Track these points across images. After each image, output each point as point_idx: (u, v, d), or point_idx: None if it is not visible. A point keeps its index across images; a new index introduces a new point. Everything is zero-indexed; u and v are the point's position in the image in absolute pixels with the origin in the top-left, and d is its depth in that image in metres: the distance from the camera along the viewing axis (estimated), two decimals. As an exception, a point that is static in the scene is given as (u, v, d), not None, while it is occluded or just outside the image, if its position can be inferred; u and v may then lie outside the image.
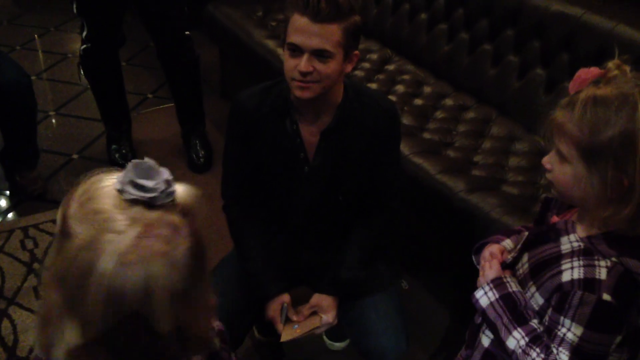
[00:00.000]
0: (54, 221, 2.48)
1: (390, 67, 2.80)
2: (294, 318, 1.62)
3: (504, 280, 1.17)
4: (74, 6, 2.51)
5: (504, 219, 1.82)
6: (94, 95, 2.85)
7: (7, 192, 2.68)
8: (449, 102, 2.54)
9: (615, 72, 1.04)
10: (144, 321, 0.75)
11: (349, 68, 1.51)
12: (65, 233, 0.76)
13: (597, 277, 1.04)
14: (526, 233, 1.25)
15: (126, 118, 2.96)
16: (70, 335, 0.76)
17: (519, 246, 1.22)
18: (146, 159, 0.79)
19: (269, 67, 2.70)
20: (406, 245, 2.34)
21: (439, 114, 2.46)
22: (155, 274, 0.74)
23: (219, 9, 3.21)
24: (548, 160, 1.12)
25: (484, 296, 1.17)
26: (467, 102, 2.52)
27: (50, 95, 3.50)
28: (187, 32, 2.69)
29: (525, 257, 1.19)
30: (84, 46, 2.63)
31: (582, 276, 1.05)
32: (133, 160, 0.78)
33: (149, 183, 0.77)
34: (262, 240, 1.67)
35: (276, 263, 1.66)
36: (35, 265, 2.27)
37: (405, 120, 2.35)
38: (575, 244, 1.10)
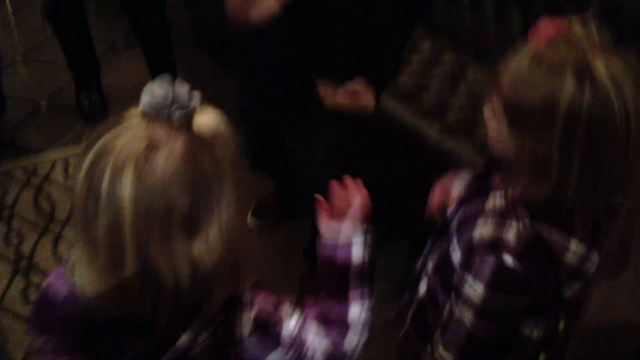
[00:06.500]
0: (24, 168, 2.45)
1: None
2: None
3: None
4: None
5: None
6: (59, 41, 2.75)
7: (-26, 139, 2.62)
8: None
9: (578, 31, 0.92)
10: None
11: None
12: None
13: (503, 237, 0.97)
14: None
15: (94, 63, 2.86)
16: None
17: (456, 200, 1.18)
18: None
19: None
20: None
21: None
22: (120, 180, 0.71)
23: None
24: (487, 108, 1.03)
25: None
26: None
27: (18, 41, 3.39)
28: None
29: (461, 210, 1.13)
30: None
31: (489, 235, 0.99)
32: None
33: (158, 91, 0.73)
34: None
35: None
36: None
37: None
38: (498, 201, 1.02)
